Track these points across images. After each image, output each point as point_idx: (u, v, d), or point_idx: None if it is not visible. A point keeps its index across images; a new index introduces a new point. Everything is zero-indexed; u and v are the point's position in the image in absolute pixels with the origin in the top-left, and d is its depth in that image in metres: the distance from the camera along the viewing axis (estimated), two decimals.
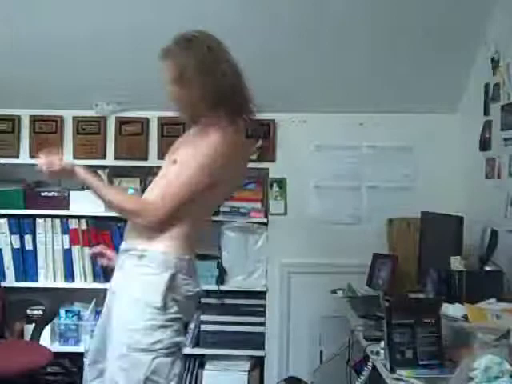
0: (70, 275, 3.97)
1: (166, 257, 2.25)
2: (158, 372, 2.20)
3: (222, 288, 3.90)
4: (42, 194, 3.98)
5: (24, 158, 4.01)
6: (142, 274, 2.26)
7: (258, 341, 3.93)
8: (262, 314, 3.95)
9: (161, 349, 2.20)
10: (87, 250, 3.95)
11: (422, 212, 3.59)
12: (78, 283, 3.98)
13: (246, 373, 3.89)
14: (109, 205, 2.40)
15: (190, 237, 2.30)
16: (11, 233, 3.95)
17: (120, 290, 2.30)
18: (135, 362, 2.19)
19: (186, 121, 2.53)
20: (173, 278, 2.23)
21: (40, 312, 3.83)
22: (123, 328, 2.23)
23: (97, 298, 3.97)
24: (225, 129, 2.28)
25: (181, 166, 2.30)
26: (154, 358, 2.19)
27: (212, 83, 2.28)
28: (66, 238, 3.95)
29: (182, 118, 2.48)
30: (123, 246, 2.39)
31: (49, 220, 3.94)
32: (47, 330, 3.79)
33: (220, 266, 3.92)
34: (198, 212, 2.33)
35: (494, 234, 2.96)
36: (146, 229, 2.29)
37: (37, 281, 3.96)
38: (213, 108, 2.30)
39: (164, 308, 2.21)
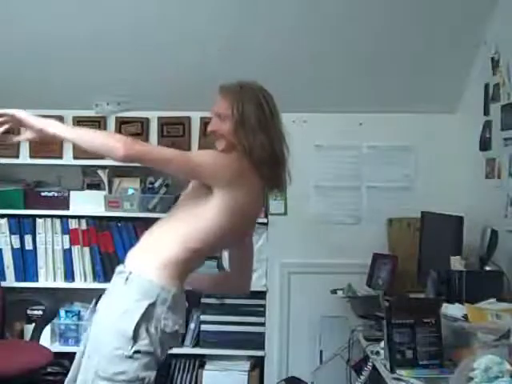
0: (70, 275, 3.97)
1: (150, 285, 2.11)
2: None
3: None
4: (42, 193, 3.98)
5: (24, 157, 4.01)
6: (122, 298, 2.14)
7: (258, 341, 3.93)
8: (262, 313, 3.95)
9: (123, 381, 2.05)
10: (87, 250, 3.95)
11: (422, 212, 3.59)
12: (78, 283, 3.98)
13: (246, 373, 3.89)
14: (85, 143, 2.15)
15: (182, 268, 2.16)
16: (11, 233, 3.95)
17: (101, 310, 2.21)
18: None
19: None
20: (151, 308, 2.08)
21: (40, 312, 3.83)
22: (95, 350, 2.12)
23: (97, 298, 3.96)
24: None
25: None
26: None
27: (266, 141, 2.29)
28: (66, 238, 3.95)
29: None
30: (118, 268, 2.30)
31: (49, 220, 3.94)
32: (47, 330, 3.80)
33: (220, 266, 3.91)
34: (196, 241, 2.17)
35: (494, 234, 2.96)
36: (141, 252, 2.24)
37: (37, 281, 3.96)
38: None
39: (134, 338, 2.05)
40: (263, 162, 2.27)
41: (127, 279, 2.16)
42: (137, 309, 2.07)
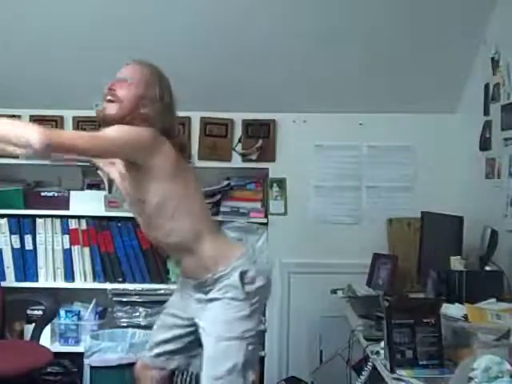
0: (70, 275, 3.97)
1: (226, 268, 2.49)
2: (251, 362, 2.44)
3: None
4: (42, 193, 3.98)
5: None
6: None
7: None
8: (262, 314, 3.94)
9: (251, 336, 2.43)
10: (87, 250, 3.95)
11: (422, 212, 3.59)
12: (78, 283, 3.97)
13: None
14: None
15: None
16: (11, 233, 3.94)
17: None
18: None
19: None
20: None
21: (40, 312, 3.82)
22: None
23: (97, 298, 3.98)
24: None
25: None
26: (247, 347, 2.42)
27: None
28: (66, 237, 3.95)
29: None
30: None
31: (49, 220, 3.94)
32: (47, 330, 3.79)
33: None
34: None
35: (494, 234, 2.96)
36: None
37: (37, 281, 3.96)
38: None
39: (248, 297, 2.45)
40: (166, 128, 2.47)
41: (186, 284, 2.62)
42: (235, 274, 2.50)
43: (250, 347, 2.42)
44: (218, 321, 2.42)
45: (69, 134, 2.47)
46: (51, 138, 2.07)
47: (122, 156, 2.40)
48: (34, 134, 2.03)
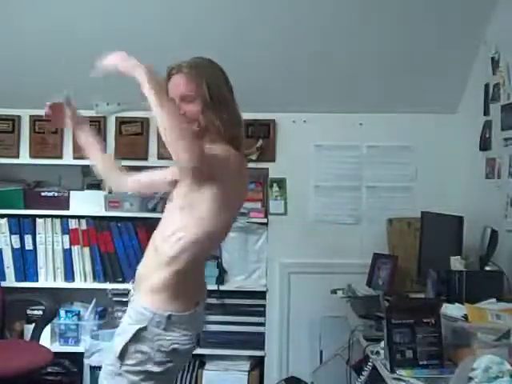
0: (69, 275, 3.97)
1: (143, 311, 2.14)
2: None
3: (222, 288, 3.90)
4: (42, 193, 3.98)
5: (24, 157, 4.01)
6: (125, 318, 2.23)
7: (258, 341, 3.93)
8: (262, 314, 3.95)
9: None
10: (87, 250, 3.95)
11: (422, 212, 3.59)
12: (78, 283, 3.97)
13: (246, 373, 3.89)
14: (167, 121, 1.98)
15: (180, 288, 2.15)
16: (11, 233, 3.94)
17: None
18: None
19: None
20: (141, 331, 2.12)
21: (40, 312, 3.82)
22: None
23: (97, 298, 3.98)
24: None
25: None
26: None
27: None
28: (66, 237, 3.95)
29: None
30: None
31: (49, 220, 3.94)
32: (47, 330, 3.79)
33: (220, 266, 3.92)
34: (194, 254, 2.15)
35: (494, 234, 2.96)
36: (142, 270, 2.26)
37: (37, 281, 3.96)
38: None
39: (121, 358, 2.15)
40: (235, 136, 2.23)
41: (130, 301, 2.27)
42: (129, 331, 2.14)
43: None
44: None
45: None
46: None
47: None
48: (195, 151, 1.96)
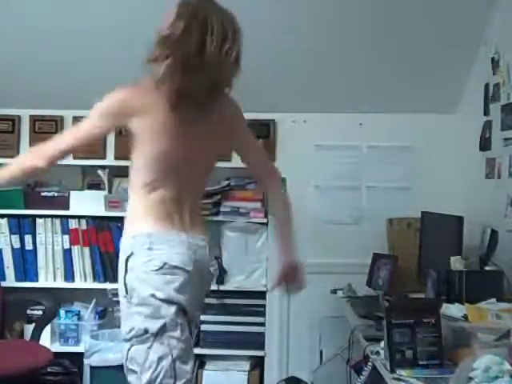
0: (69, 275, 3.97)
1: (126, 241, 2.22)
2: (134, 360, 2.15)
3: (222, 288, 3.90)
4: (42, 193, 3.98)
5: None
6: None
7: (258, 341, 3.93)
8: (262, 314, 3.95)
9: (134, 337, 2.15)
10: (87, 250, 3.95)
11: (422, 212, 3.59)
12: (78, 283, 3.97)
13: (246, 373, 3.89)
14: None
15: (149, 210, 2.20)
16: (11, 233, 3.94)
17: None
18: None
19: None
20: (131, 259, 2.16)
21: (40, 312, 3.82)
22: None
23: (97, 298, 3.97)
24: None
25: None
26: (130, 348, 2.16)
27: None
28: (66, 237, 3.95)
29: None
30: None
31: (49, 220, 3.94)
32: (47, 330, 3.79)
33: (220, 266, 3.92)
34: (137, 180, 2.27)
35: (494, 234, 2.96)
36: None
37: (37, 281, 3.96)
38: None
39: (127, 294, 2.17)
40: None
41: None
42: (121, 268, 2.19)
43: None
44: None
45: None
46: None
47: None
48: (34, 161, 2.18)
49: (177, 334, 2.15)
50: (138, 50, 3.32)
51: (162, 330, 2.13)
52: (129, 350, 2.16)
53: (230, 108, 2.36)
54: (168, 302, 2.14)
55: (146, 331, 2.13)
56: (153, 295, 2.13)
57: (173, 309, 2.15)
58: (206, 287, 2.37)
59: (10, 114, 4.01)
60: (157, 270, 2.14)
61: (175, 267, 2.16)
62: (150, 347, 2.13)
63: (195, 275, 2.21)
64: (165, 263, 2.15)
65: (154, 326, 2.13)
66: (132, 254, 2.18)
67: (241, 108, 2.42)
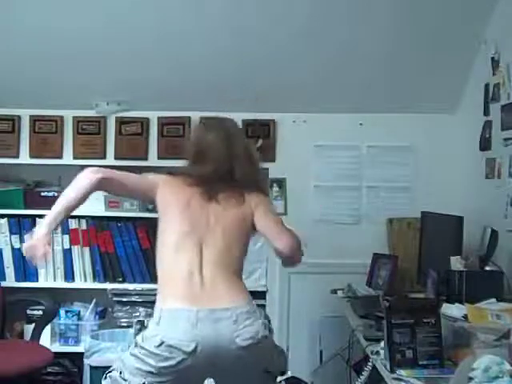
0: (69, 275, 3.97)
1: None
2: None
3: None
4: (42, 193, 3.98)
5: (24, 158, 4.01)
6: None
7: None
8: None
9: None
10: (87, 250, 3.95)
11: (422, 212, 3.59)
12: (78, 283, 3.97)
13: None
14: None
15: (162, 290, 2.52)
16: (11, 233, 3.94)
17: None
18: None
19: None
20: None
21: (40, 312, 3.83)
22: None
23: (97, 298, 3.98)
24: None
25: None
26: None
27: None
28: (66, 238, 3.95)
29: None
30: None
31: None
32: (47, 330, 3.79)
33: None
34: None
35: (494, 234, 2.96)
36: None
37: (37, 281, 3.96)
38: None
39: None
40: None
41: None
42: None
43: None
44: None
45: None
46: None
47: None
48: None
49: None
50: (138, 51, 3.32)
51: None
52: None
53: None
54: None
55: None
56: None
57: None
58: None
59: (9, 113, 4.01)
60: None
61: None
62: None
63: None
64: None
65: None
66: None
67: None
